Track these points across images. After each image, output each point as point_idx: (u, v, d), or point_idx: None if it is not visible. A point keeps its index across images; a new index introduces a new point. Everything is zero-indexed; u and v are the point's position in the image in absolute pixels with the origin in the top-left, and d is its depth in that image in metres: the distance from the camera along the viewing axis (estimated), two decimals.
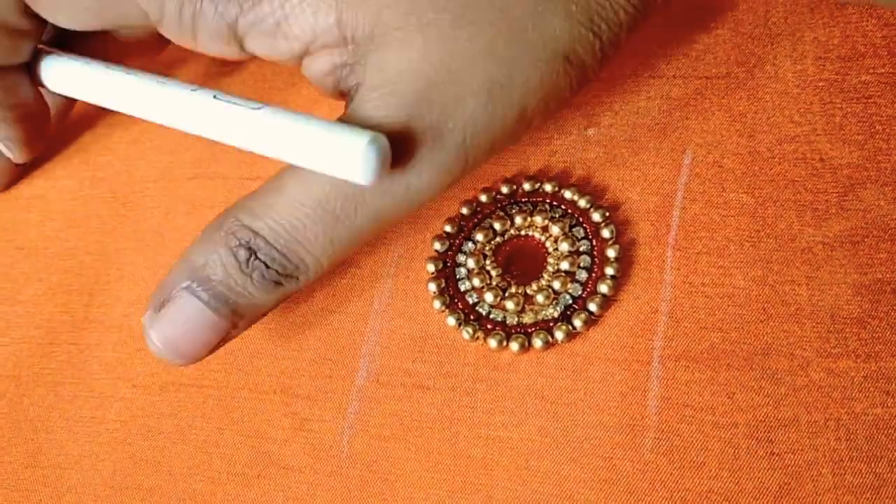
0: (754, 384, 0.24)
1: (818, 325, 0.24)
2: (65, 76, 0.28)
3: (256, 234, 0.23)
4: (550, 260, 0.27)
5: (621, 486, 0.24)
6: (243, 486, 0.26)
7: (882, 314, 0.24)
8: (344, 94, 0.25)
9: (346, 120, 0.23)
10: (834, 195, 0.26)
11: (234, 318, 0.24)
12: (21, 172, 0.34)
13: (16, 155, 0.32)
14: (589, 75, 0.24)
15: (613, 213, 0.27)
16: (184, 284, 0.23)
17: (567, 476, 0.24)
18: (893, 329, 0.24)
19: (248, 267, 0.23)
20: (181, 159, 0.33)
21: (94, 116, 0.35)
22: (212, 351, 0.24)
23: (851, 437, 0.23)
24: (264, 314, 0.25)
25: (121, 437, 0.27)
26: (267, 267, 0.23)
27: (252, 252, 0.23)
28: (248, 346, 0.28)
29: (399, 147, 0.22)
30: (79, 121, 0.35)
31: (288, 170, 0.23)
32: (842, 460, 0.23)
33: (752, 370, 0.24)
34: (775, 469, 0.23)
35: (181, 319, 0.23)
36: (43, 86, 0.29)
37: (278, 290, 0.24)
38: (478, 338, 0.26)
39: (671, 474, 0.23)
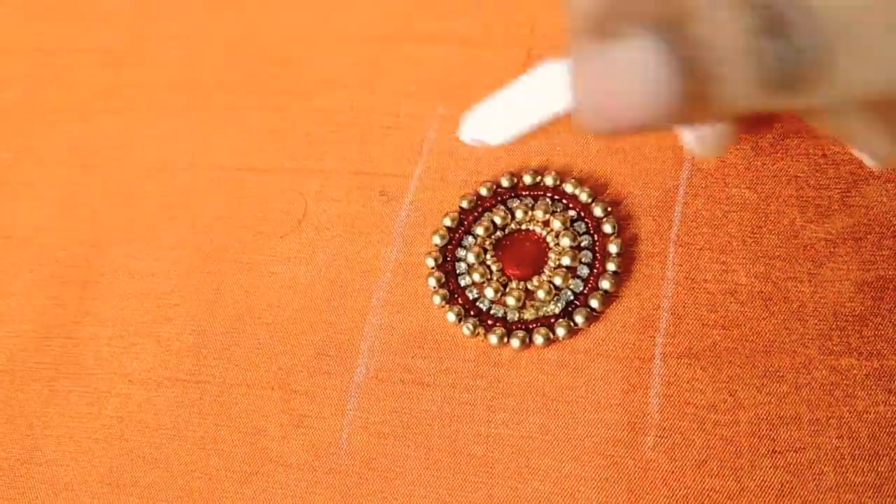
0: (756, 382, 0.24)
1: (820, 323, 0.24)
2: None
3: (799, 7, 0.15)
4: (552, 255, 0.27)
5: (622, 484, 0.23)
6: (241, 483, 0.25)
7: (885, 311, 0.24)
8: None
9: None
10: (837, 191, 0.26)
11: (696, 103, 0.16)
12: None
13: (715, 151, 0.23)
14: None
15: (615, 208, 0.27)
16: (657, 24, 0.15)
17: (568, 474, 0.24)
18: (895, 327, 0.24)
19: (759, 45, 0.15)
20: (175, 148, 0.32)
21: (86, 102, 0.35)
22: (639, 130, 0.17)
23: (854, 435, 0.23)
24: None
25: (117, 433, 0.27)
26: (786, 59, 0.15)
27: (778, 28, 0.15)
28: (245, 341, 0.28)
29: None
30: (69, 107, 0.35)
31: None
32: (844, 458, 0.23)
33: (754, 368, 0.24)
34: (777, 467, 0.23)
35: (628, 69, 0.15)
36: None
37: (777, 96, 0.16)
38: (478, 334, 0.26)
39: (672, 472, 0.23)
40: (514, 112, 0.22)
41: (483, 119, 0.22)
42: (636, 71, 0.15)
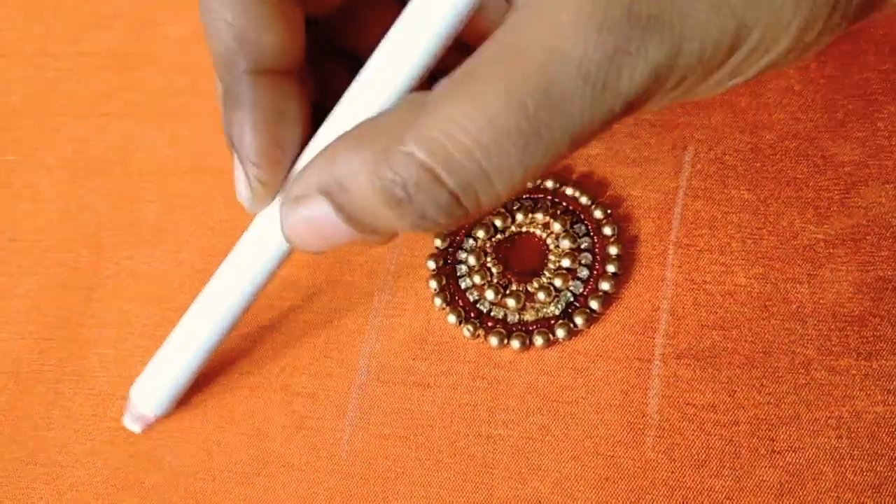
0: (755, 382, 0.24)
1: (819, 323, 0.24)
2: None
3: (424, 168, 0.19)
4: (551, 257, 0.27)
5: (622, 484, 0.24)
6: (244, 484, 0.26)
7: (883, 312, 0.24)
8: None
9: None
10: (836, 192, 0.26)
11: (373, 236, 0.21)
12: None
13: (253, 203, 0.24)
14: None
15: (615, 210, 0.27)
16: (321, 189, 0.21)
17: (568, 474, 0.24)
18: (894, 327, 0.24)
19: (403, 207, 0.19)
20: (178, 152, 0.32)
21: (89, 105, 0.35)
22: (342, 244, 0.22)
23: (852, 435, 0.23)
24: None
25: (121, 435, 0.27)
26: (430, 207, 0.19)
27: (409, 196, 0.19)
28: (248, 343, 0.28)
29: (610, 35, 0.18)
30: (73, 110, 0.35)
31: (460, 78, 0.19)
32: (843, 458, 0.23)
33: (753, 368, 0.24)
34: (776, 467, 0.23)
35: (312, 219, 0.21)
36: None
37: (429, 225, 0.20)
38: (478, 336, 0.26)
39: (672, 472, 0.23)
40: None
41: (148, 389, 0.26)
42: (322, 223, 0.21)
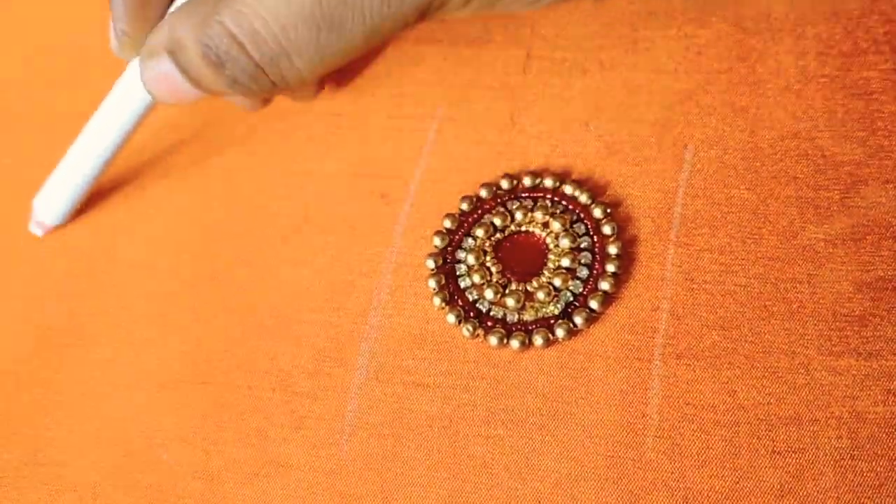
0: (756, 382, 0.24)
1: (820, 323, 0.24)
2: None
3: (234, 39, 0.24)
4: (551, 256, 0.27)
5: (622, 485, 0.24)
6: (242, 484, 0.26)
7: (884, 312, 0.24)
8: None
9: None
10: (836, 192, 0.26)
11: (212, 90, 0.26)
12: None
13: (119, 50, 0.29)
14: None
15: (615, 210, 0.27)
16: (167, 48, 0.25)
17: (567, 475, 0.24)
18: (895, 327, 0.24)
19: (218, 70, 0.24)
20: (177, 151, 0.32)
21: (87, 104, 0.35)
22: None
23: (853, 435, 0.23)
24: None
25: (120, 434, 0.27)
26: (239, 73, 0.24)
27: (222, 61, 0.24)
28: (246, 343, 0.28)
29: None
30: (70, 109, 0.35)
31: None
32: (843, 459, 0.23)
33: (753, 368, 0.24)
34: (777, 468, 0.23)
35: (162, 74, 0.25)
36: None
37: (244, 89, 0.25)
38: (478, 335, 0.26)
39: (672, 473, 0.23)
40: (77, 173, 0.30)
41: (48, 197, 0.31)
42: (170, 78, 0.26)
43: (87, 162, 0.30)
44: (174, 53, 0.25)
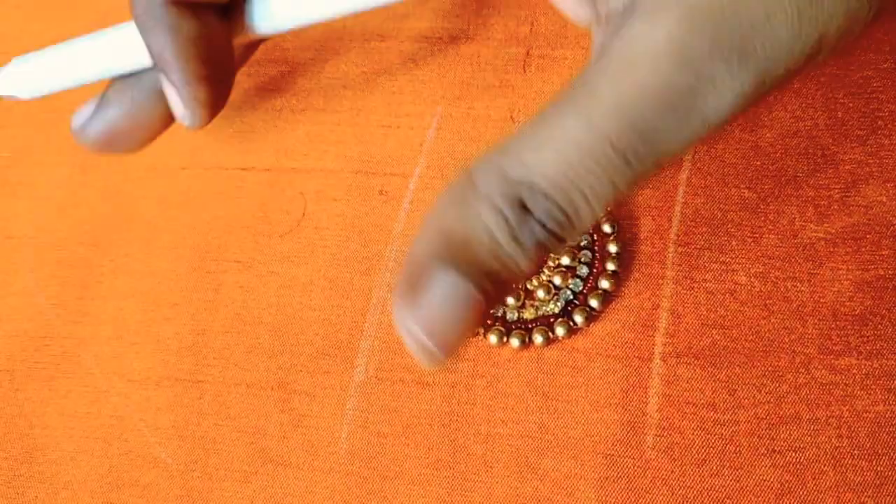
0: (756, 381, 0.24)
1: (820, 322, 0.24)
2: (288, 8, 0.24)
3: (532, 187, 0.18)
4: (551, 255, 0.27)
5: (622, 483, 0.23)
6: (240, 482, 0.25)
7: (884, 311, 0.24)
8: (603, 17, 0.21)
9: (614, 43, 0.19)
10: (836, 191, 0.26)
11: (496, 296, 0.19)
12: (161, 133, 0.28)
13: (195, 119, 0.25)
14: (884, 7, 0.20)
15: (615, 208, 0.27)
16: (439, 261, 0.19)
17: (567, 473, 0.24)
18: (895, 326, 0.24)
19: (521, 231, 0.18)
20: (175, 148, 0.32)
21: (85, 99, 0.34)
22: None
23: (853, 434, 0.23)
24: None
25: (117, 432, 0.27)
26: (542, 227, 0.19)
27: (526, 212, 0.18)
28: (245, 341, 0.28)
29: (694, 68, 0.18)
30: (68, 107, 0.35)
31: (556, 103, 0.19)
32: (843, 458, 0.23)
33: (753, 367, 0.24)
34: (777, 466, 0.23)
35: (444, 305, 0.19)
36: (252, 32, 0.25)
37: (541, 256, 0.19)
38: (478, 333, 0.26)
39: (672, 471, 0.23)
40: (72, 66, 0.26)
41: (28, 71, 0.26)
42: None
43: (89, 66, 0.26)
44: (456, 256, 0.19)
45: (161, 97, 0.25)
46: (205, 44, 0.24)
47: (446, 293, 0.19)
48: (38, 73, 0.26)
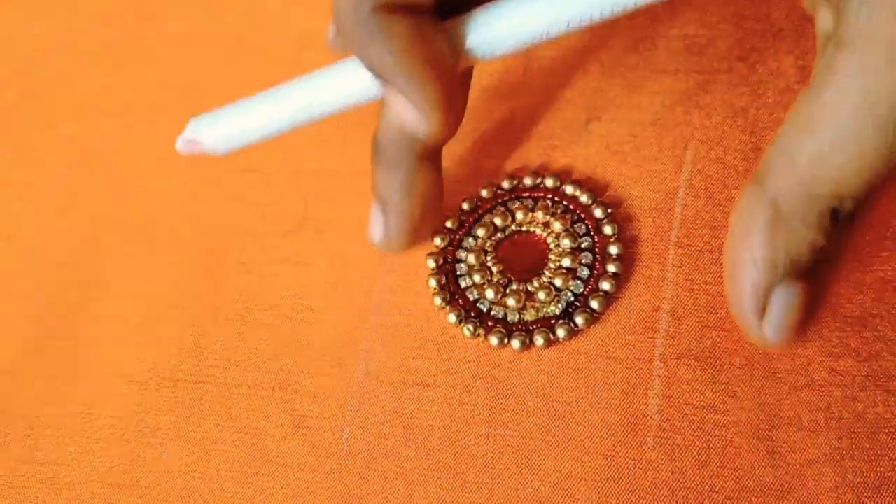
0: (756, 383, 0.24)
1: (819, 324, 0.24)
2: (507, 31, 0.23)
3: (842, 197, 0.22)
4: (552, 256, 0.27)
5: (623, 484, 0.24)
6: (241, 483, 0.25)
7: (884, 313, 0.24)
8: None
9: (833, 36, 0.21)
10: None
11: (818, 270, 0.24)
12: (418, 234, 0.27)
13: (430, 123, 0.24)
14: None
15: (615, 210, 0.27)
16: (777, 282, 0.23)
17: (568, 474, 0.24)
18: (895, 328, 0.24)
19: (833, 234, 0.22)
20: (174, 149, 0.32)
21: (86, 103, 0.35)
22: None
23: (853, 435, 0.23)
24: None
25: (118, 433, 0.27)
26: (850, 216, 0.22)
27: (836, 213, 0.22)
28: (245, 342, 0.28)
29: None
30: (69, 107, 0.35)
31: (812, 104, 0.21)
32: (843, 459, 0.23)
33: (753, 369, 0.24)
34: (777, 468, 0.23)
35: (787, 309, 0.23)
36: (467, 55, 0.24)
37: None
38: (479, 335, 0.26)
39: (673, 473, 0.23)
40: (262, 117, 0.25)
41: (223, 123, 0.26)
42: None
43: (278, 109, 0.25)
44: (788, 274, 0.23)
45: (422, 165, 0.25)
46: (427, 46, 0.23)
47: (789, 301, 0.23)
48: (233, 129, 0.26)
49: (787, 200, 0.22)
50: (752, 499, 0.23)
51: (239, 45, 0.34)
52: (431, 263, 0.27)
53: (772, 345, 0.23)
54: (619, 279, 0.26)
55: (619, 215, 0.27)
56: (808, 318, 0.24)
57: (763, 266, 0.22)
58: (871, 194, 0.22)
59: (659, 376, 0.25)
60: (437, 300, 0.26)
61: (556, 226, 0.27)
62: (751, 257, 0.22)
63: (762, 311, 0.23)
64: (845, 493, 0.22)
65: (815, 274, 0.23)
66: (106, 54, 0.35)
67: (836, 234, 0.22)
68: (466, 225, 0.28)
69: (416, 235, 0.26)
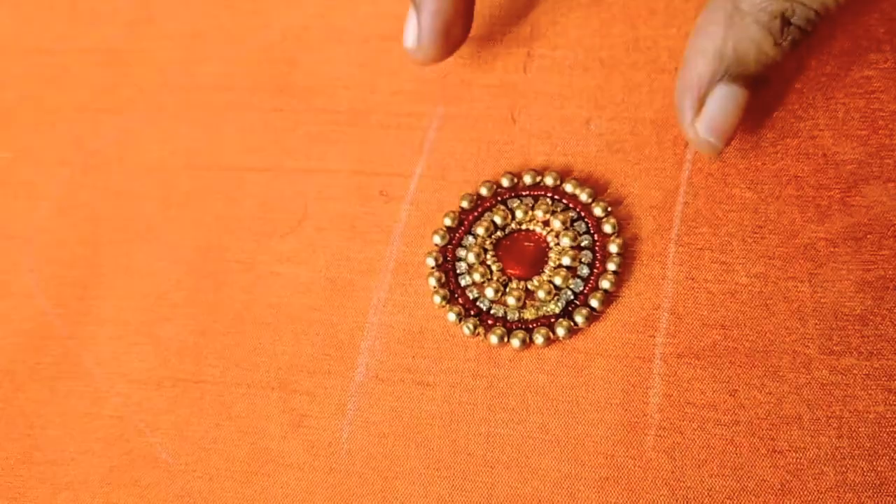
0: (756, 381, 0.24)
1: (820, 323, 0.24)
2: None
3: (793, 3, 0.23)
4: (552, 255, 0.27)
5: (622, 483, 0.23)
6: (241, 483, 0.25)
7: (885, 311, 0.24)
8: None
9: None
10: (837, 191, 0.26)
11: (759, 91, 0.25)
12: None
13: (417, 50, 0.28)
14: None
15: (615, 208, 0.27)
16: (718, 77, 0.24)
17: (568, 474, 0.24)
18: None
19: (781, 37, 0.24)
20: (175, 148, 0.32)
21: (86, 102, 0.34)
22: None
23: (853, 434, 0.23)
24: None
25: (117, 433, 0.27)
26: (799, 30, 0.24)
27: (786, 21, 0.24)
28: (246, 341, 0.28)
29: None
30: (69, 106, 0.35)
31: None
32: (844, 458, 0.23)
33: (754, 367, 0.24)
34: (777, 467, 0.23)
35: (723, 109, 0.24)
36: None
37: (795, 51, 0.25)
38: (478, 333, 0.26)
39: (673, 472, 0.23)
40: None
41: None
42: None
43: None
44: (731, 69, 0.24)
45: None
46: None
47: (726, 100, 0.24)
48: None
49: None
50: (753, 498, 0.23)
51: (238, 45, 0.34)
52: (431, 262, 0.27)
53: (701, 145, 0.25)
54: (620, 277, 0.26)
55: (620, 213, 0.27)
56: (739, 124, 0.25)
57: (711, 56, 0.24)
58: (821, 10, 0.23)
59: (659, 375, 0.24)
60: (437, 298, 0.26)
61: (556, 224, 0.27)
62: (701, 47, 0.24)
63: (700, 106, 0.24)
64: (846, 493, 0.22)
65: (758, 88, 0.25)
66: (106, 53, 0.35)
67: (784, 43, 0.24)
68: (466, 223, 0.28)
69: (448, 39, 0.28)
